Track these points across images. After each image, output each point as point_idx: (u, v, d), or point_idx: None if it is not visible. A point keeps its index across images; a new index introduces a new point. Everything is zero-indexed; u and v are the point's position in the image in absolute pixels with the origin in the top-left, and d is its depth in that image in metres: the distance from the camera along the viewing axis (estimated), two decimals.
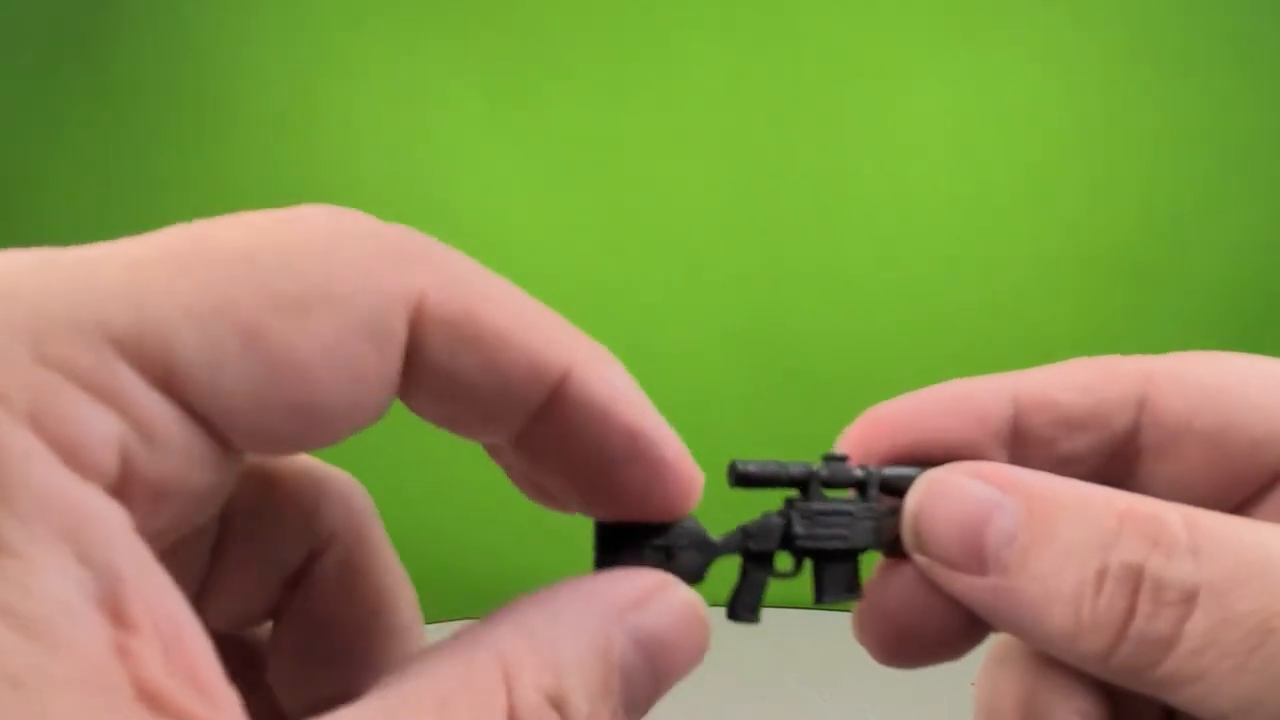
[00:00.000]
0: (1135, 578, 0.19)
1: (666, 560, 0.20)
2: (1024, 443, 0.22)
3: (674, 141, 1.03)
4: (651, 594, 0.18)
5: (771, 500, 0.23)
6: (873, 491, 0.22)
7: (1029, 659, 0.22)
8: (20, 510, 0.12)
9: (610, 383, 0.18)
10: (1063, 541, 0.19)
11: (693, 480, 0.19)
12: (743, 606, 0.22)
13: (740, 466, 0.21)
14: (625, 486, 0.19)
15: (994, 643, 0.23)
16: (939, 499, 0.21)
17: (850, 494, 0.22)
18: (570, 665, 0.16)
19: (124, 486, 0.14)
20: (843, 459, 0.22)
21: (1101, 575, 0.19)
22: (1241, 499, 0.22)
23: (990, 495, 0.20)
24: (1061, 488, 0.20)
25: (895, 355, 1.03)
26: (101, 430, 0.13)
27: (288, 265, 0.15)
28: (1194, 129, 0.99)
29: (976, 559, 0.20)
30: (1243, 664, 0.18)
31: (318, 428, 0.16)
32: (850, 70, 1.01)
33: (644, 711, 0.18)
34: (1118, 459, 0.23)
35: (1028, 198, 1.01)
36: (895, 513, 0.22)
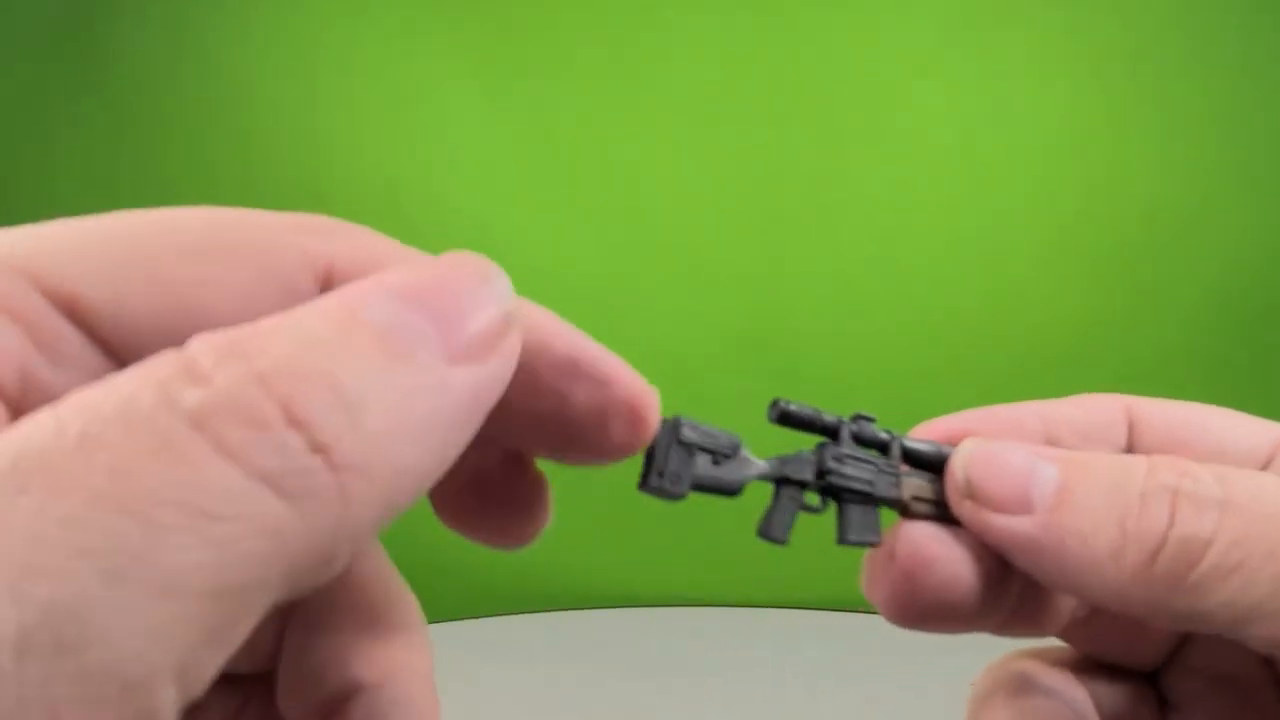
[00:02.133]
0: (1173, 494, 0.21)
1: (713, 465, 0.22)
2: None
3: (674, 141, 1.03)
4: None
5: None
6: (895, 453, 0.24)
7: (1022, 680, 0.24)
8: None
9: (535, 321, 0.18)
10: (1104, 480, 0.22)
11: (644, 392, 0.19)
12: (775, 527, 0.23)
13: (782, 404, 0.23)
14: (578, 418, 0.19)
15: (988, 664, 0.25)
16: (987, 449, 0.23)
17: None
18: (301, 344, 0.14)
19: (24, 397, 0.16)
20: (871, 419, 0.24)
21: (1143, 497, 0.21)
22: None
23: (1030, 453, 0.23)
24: (1090, 453, 0.23)
25: (895, 355, 1.03)
26: (4, 342, 0.15)
27: (203, 226, 0.17)
28: (1194, 129, 0.99)
29: (1022, 499, 0.22)
30: (1274, 549, 0.20)
31: None
32: (851, 70, 1.01)
33: (478, 354, 0.15)
34: None
35: (1028, 198, 1.01)
36: (915, 475, 0.24)
